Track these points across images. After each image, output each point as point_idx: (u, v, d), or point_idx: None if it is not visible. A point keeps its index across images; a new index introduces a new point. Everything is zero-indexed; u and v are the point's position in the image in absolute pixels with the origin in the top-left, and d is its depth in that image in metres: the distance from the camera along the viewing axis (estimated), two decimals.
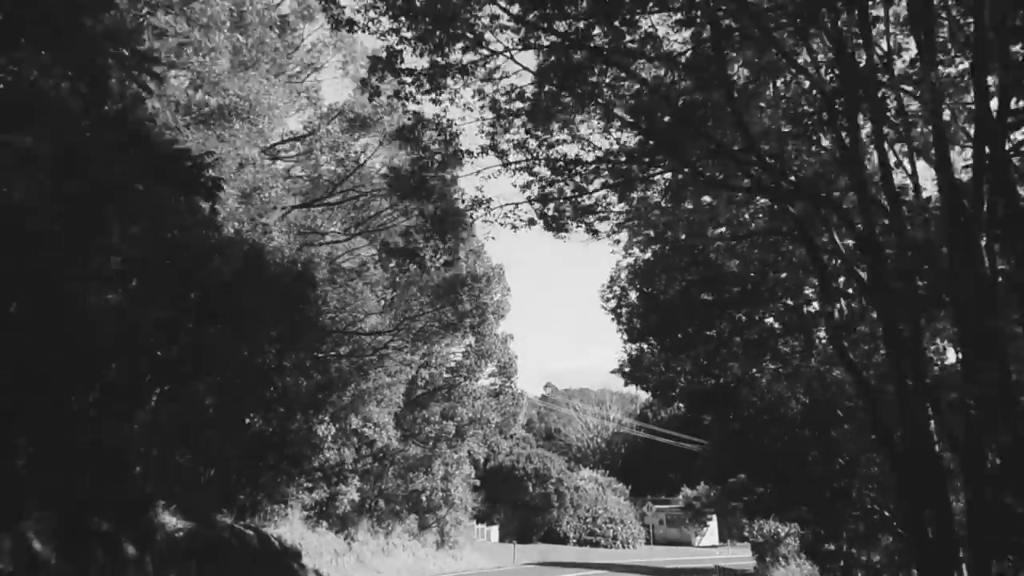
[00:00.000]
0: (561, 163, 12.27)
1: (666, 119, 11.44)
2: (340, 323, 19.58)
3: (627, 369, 20.20)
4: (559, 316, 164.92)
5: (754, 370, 17.15)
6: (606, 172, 12.92)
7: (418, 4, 9.78)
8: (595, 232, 14.72)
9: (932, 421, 10.24)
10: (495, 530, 47.73)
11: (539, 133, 12.91)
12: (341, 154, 17.70)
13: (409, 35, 10.14)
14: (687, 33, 11.20)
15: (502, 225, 12.28)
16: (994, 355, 8.29)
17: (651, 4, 9.77)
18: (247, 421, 15.69)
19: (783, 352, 16.24)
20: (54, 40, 8.87)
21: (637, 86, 11.52)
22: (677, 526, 58.75)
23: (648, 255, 18.50)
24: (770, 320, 15.92)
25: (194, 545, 16.93)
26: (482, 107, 12.39)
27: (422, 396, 26.59)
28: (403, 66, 10.81)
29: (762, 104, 11.53)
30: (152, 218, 9.26)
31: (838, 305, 11.56)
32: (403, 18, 10.19)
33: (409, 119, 12.65)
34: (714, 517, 57.63)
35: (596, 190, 13.42)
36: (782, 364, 16.14)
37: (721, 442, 19.27)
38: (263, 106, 14.99)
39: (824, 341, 14.82)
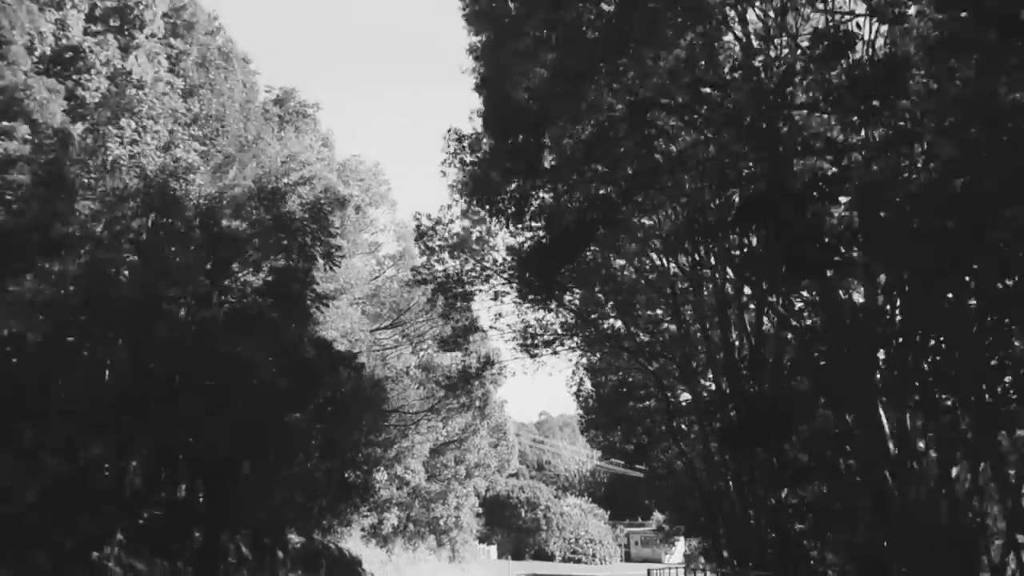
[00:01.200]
0: (531, 333, 22.24)
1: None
2: (392, 403, 29.35)
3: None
4: None
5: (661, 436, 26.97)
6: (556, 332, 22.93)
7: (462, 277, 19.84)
8: (556, 353, 24.66)
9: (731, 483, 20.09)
10: (494, 548, 57.09)
11: (520, 308, 22.94)
12: (397, 299, 27.73)
13: (451, 285, 20.20)
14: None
15: (500, 375, 22.22)
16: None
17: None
18: (346, 476, 25.44)
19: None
20: (289, 305, 18.73)
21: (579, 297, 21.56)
22: (650, 546, 68.04)
23: (596, 357, 28.39)
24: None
25: (306, 554, 26.62)
26: (490, 298, 22.41)
27: (441, 446, 36.24)
28: (452, 291, 20.81)
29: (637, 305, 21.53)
30: (332, 385, 19.23)
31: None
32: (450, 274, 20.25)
33: (451, 300, 22.61)
34: (681, 537, 67.01)
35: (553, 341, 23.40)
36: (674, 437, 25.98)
37: (645, 483, 29.05)
38: (358, 283, 24.97)
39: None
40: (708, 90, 11.32)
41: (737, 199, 11.39)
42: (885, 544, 14.03)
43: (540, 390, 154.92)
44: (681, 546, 68.06)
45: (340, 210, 19.51)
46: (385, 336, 30.62)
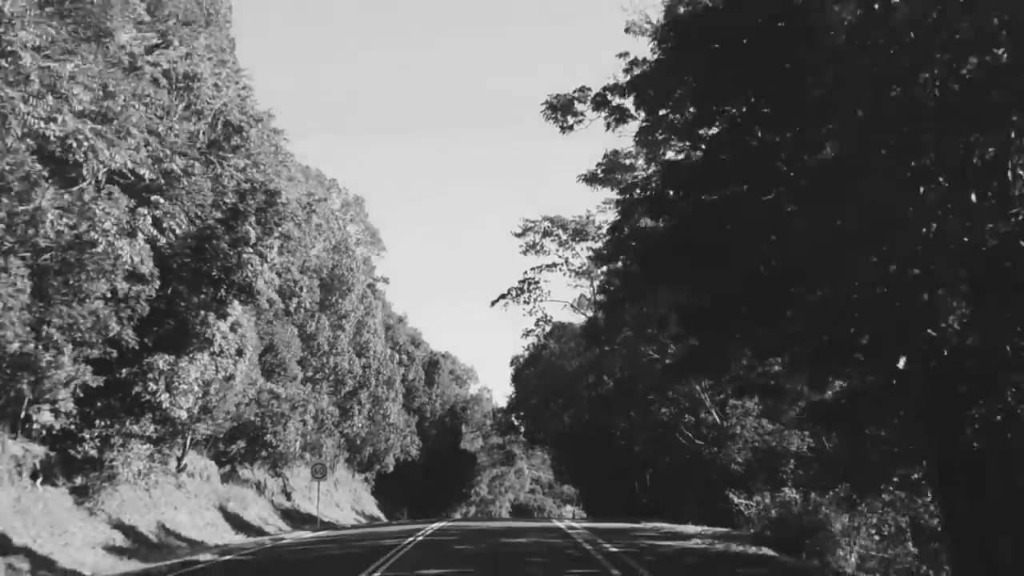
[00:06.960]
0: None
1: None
2: (478, 460, 71.41)
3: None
4: None
5: None
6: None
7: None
8: (543, 449, 66.73)
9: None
10: None
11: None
12: (478, 422, 69.66)
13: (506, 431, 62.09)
14: None
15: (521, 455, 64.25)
16: None
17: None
18: (463, 491, 67.17)
19: None
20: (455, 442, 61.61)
21: None
22: None
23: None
24: None
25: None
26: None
27: (494, 478, 77.98)
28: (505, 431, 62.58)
29: None
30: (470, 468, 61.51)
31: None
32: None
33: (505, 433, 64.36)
34: None
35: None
36: None
37: None
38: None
39: None
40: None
41: None
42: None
43: None
44: None
45: (469, 407, 61.45)
46: (473, 433, 72.76)
